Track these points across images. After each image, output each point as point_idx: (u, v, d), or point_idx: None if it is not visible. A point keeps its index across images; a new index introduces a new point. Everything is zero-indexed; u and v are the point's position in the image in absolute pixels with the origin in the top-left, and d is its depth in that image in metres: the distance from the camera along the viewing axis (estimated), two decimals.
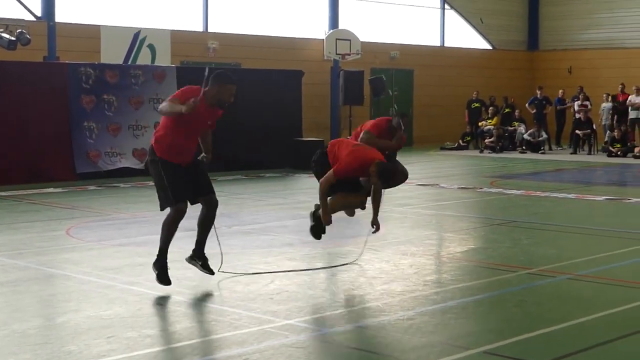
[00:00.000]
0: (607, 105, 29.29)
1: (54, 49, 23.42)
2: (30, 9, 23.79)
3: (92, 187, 17.72)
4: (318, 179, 9.75)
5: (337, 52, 29.27)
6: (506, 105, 31.38)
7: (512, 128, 30.14)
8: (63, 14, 24.24)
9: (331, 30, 29.84)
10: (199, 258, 8.80)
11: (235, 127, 20.78)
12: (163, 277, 8.33)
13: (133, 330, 7.06)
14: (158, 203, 8.59)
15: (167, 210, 8.51)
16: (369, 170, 9.35)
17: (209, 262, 8.79)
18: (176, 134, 8.38)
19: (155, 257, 8.46)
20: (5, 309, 7.87)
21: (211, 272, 8.74)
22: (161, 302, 8.04)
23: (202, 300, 8.14)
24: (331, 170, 9.46)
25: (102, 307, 7.83)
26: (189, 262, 8.87)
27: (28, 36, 20.14)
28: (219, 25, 27.74)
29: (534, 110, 30.61)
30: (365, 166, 9.38)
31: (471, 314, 7.83)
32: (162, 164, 8.40)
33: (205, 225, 8.82)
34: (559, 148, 29.92)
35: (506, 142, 29.69)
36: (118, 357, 6.36)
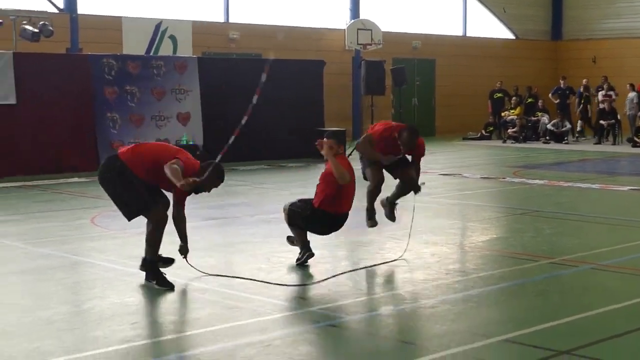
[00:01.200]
0: (632, 95, 29.08)
1: (76, 41, 23.57)
2: (53, 1, 23.93)
3: None
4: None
5: (359, 42, 29.24)
6: (529, 95, 31.25)
7: (535, 118, 30.03)
8: (85, 6, 24.37)
9: (352, 20, 29.81)
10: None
11: (257, 118, 20.74)
12: (165, 282, 8.24)
13: (157, 317, 7.15)
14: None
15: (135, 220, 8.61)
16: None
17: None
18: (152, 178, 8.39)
19: (148, 267, 8.40)
20: (30, 296, 7.98)
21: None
22: (184, 289, 8.11)
23: (224, 287, 8.20)
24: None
25: (127, 294, 7.92)
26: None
27: (51, 28, 20.26)
28: (240, 15, 27.80)
29: (558, 100, 30.46)
30: None
31: (493, 302, 7.86)
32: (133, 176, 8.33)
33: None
34: (582, 138, 29.77)
35: (529, 132, 29.57)
36: (142, 343, 6.45)
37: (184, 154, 8.53)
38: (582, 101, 30.53)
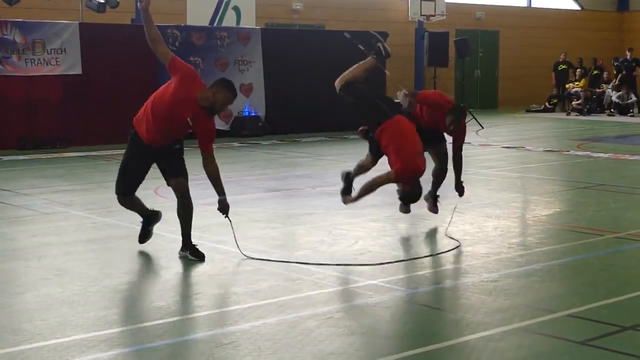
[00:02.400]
0: None
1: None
2: None
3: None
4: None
5: (422, 14, 29.01)
6: (595, 67, 30.76)
7: (600, 90, 29.55)
8: None
9: None
10: (186, 248, 8.35)
11: (319, 89, 20.76)
12: (197, 253, 8.23)
13: (219, 288, 7.19)
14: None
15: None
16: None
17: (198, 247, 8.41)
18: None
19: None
20: (96, 265, 8.08)
21: (202, 258, 8.19)
22: (247, 260, 8.14)
23: (287, 258, 8.21)
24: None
25: (189, 265, 7.98)
26: (180, 255, 8.39)
27: None
28: None
29: (623, 72, 29.92)
30: None
31: (556, 277, 7.76)
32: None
33: (181, 216, 8.53)
34: None
35: (594, 104, 29.13)
36: (205, 314, 6.49)
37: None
38: None
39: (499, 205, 11.22)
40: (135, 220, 10.08)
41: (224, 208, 8.31)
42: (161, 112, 8.15)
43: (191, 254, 8.19)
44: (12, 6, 18.99)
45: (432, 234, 9.48)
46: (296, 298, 6.91)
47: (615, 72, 29.98)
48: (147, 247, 8.87)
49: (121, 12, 21.31)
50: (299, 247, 8.81)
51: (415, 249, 8.96)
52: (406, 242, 9.29)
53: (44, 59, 17.89)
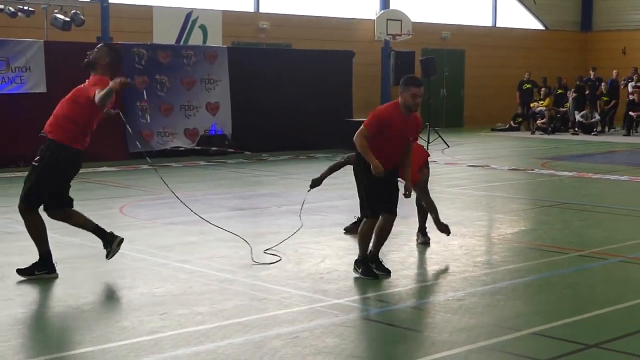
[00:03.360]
0: None
1: (107, 30, 23.62)
2: None
3: (144, 167, 17.88)
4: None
5: (388, 33, 29.17)
6: (559, 86, 31.05)
7: (564, 109, 29.84)
8: None
9: (382, 11, 29.73)
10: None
11: (286, 108, 20.89)
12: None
13: (185, 308, 7.15)
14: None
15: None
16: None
17: None
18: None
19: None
20: (61, 285, 8.01)
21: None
22: (212, 280, 8.12)
23: (252, 278, 8.19)
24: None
25: (155, 285, 7.94)
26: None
27: (82, 17, 20.35)
28: (270, 5, 27.79)
29: (587, 92, 30.24)
30: None
31: (521, 295, 7.80)
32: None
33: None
34: (611, 130, 29.56)
35: (558, 123, 29.39)
36: (170, 334, 6.45)
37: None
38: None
39: (464, 224, 11.27)
40: (99, 240, 10.02)
41: None
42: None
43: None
44: None
45: (398, 252, 9.47)
46: (262, 317, 6.90)
47: (574, 89, 30.25)
48: (111, 267, 8.81)
49: (87, 30, 21.24)
50: (265, 266, 8.79)
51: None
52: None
53: (8, 77, 17.76)
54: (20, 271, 8.10)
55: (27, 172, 8.38)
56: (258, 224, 11.61)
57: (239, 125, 20.71)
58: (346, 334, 6.55)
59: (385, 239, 8.41)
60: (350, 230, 10.46)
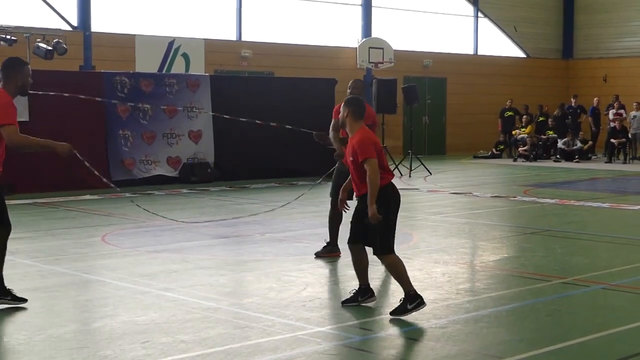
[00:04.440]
0: (637, 113, 28.86)
1: (89, 59, 23.71)
2: (67, 18, 24.06)
3: (127, 194, 17.83)
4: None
5: (370, 61, 29.32)
6: (540, 113, 31.27)
7: (545, 137, 30.02)
8: (99, 24, 24.50)
9: (364, 39, 29.90)
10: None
11: (268, 135, 20.89)
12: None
13: (167, 336, 7.13)
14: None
15: None
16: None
17: None
18: None
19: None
20: (42, 314, 7.97)
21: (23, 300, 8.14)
22: (195, 308, 8.10)
23: (235, 306, 8.18)
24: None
25: (137, 313, 7.91)
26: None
27: (64, 46, 20.38)
28: (252, 34, 27.90)
29: (569, 118, 30.47)
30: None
31: (504, 323, 7.81)
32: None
33: None
34: (593, 157, 29.76)
35: (540, 150, 29.56)
36: None
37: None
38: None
39: (447, 251, 11.29)
40: (81, 268, 10.02)
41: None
42: None
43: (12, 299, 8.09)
44: None
45: (380, 279, 9.48)
46: (245, 345, 6.88)
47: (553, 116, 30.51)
48: (93, 295, 8.79)
49: (69, 59, 21.28)
50: (248, 294, 8.79)
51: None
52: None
53: None
54: None
55: None
56: (240, 252, 11.60)
57: (222, 153, 20.73)
58: None
59: None
60: (320, 254, 10.57)
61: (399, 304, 7.79)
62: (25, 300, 8.11)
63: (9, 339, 7.03)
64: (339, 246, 10.53)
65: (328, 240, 10.70)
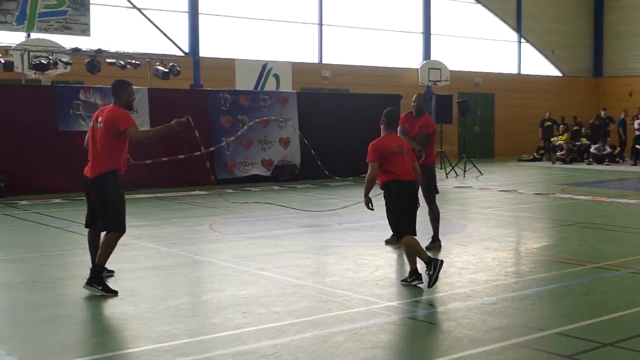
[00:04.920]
0: None
1: (198, 79, 23.99)
2: (180, 46, 24.40)
3: (229, 191, 18.04)
4: None
5: (430, 79, 29.09)
6: (575, 123, 30.69)
7: (579, 143, 29.43)
8: (206, 50, 24.79)
9: (424, 61, 29.68)
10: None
11: (344, 142, 20.90)
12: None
13: (264, 307, 7.18)
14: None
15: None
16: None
17: None
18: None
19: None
20: (162, 288, 8.10)
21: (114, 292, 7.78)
22: (286, 285, 8.14)
23: (319, 284, 8.20)
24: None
25: (239, 288, 7.98)
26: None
27: (178, 68, 20.65)
28: (331, 57, 27.92)
29: (599, 128, 29.87)
30: None
31: (545, 300, 7.68)
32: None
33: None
34: (621, 160, 29.05)
35: (575, 155, 28.99)
36: (252, 329, 6.48)
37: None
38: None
39: (496, 240, 11.15)
40: (192, 251, 10.15)
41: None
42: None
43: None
44: (93, 74, 19.27)
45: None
46: (327, 316, 6.89)
47: (589, 126, 29.92)
48: (202, 273, 8.90)
49: (182, 79, 21.57)
50: (329, 274, 8.80)
51: (425, 275, 8.87)
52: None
53: None
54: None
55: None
56: (323, 239, 11.62)
57: (306, 156, 20.79)
58: (398, 331, 6.52)
59: None
60: (389, 242, 10.47)
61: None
62: (115, 292, 7.72)
63: (136, 308, 7.16)
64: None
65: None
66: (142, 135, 8.14)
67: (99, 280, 7.71)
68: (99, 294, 7.60)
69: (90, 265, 7.91)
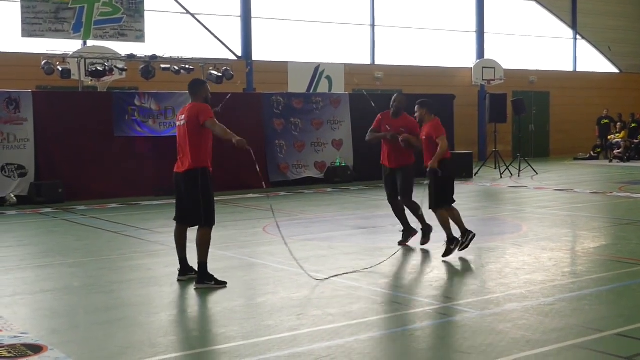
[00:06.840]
0: None
1: (251, 82, 24.15)
2: (233, 50, 24.60)
3: (282, 193, 18.11)
4: None
5: (484, 78, 28.84)
6: (632, 120, 30.07)
7: (637, 141, 28.83)
8: (258, 54, 24.95)
9: (478, 60, 29.41)
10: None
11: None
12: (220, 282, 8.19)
13: (318, 309, 7.19)
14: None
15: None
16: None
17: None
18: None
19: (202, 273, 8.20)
20: (217, 291, 8.15)
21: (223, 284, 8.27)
22: (340, 287, 8.14)
23: (373, 285, 8.18)
24: None
25: (293, 290, 8.00)
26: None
27: (231, 72, 20.79)
28: (383, 58, 27.84)
29: None
30: None
31: (604, 301, 7.55)
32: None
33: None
34: None
35: (633, 152, 28.42)
36: (306, 331, 6.49)
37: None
38: None
39: (552, 239, 10.99)
40: (247, 254, 10.21)
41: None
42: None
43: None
44: (148, 80, 19.54)
45: (496, 263, 9.30)
46: (381, 318, 6.88)
47: None
48: (257, 275, 8.94)
49: (235, 83, 21.70)
50: (384, 276, 8.77)
51: (481, 276, 8.80)
52: (474, 270, 9.16)
53: (174, 123, 18.27)
54: None
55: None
56: (376, 240, 11.59)
57: (360, 158, 20.76)
58: (453, 333, 6.46)
59: None
60: (402, 242, 10.55)
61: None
62: (225, 284, 8.18)
63: (192, 311, 7.23)
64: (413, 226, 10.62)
65: (402, 229, 10.60)
66: (219, 129, 8.26)
67: (208, 276, 8.13)
68: (213, 288, 7.99)
69: (178, 260, 8.50)
